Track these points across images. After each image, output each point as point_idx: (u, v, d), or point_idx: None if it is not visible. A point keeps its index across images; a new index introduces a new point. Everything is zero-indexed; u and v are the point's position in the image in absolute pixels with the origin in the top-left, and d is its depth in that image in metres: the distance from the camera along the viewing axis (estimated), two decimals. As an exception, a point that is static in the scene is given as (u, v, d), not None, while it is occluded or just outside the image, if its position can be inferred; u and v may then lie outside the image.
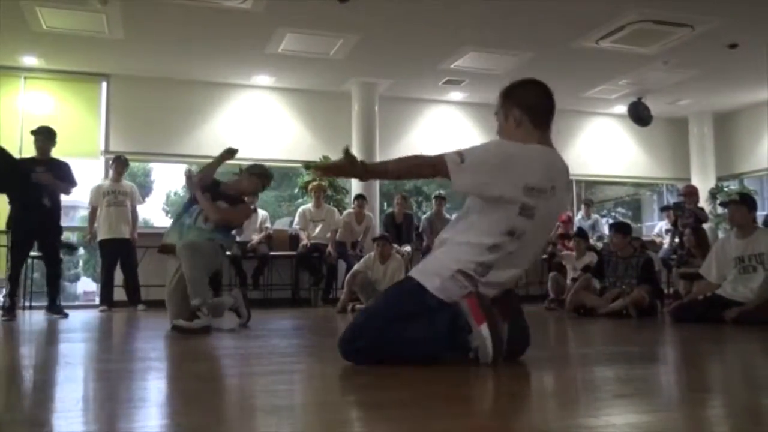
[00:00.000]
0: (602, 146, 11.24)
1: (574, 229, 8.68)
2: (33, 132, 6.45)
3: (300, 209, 8.76)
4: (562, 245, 8.53)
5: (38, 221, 6.13)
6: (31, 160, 6.37)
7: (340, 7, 6.75)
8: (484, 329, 2.38)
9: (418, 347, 2.51)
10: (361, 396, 2.09)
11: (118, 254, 7.55)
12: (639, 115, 10.15)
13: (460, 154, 2.44)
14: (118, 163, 7.71)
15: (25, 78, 8.70)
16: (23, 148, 8.09)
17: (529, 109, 2.59)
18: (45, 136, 6.38)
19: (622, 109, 10.67)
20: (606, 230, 8.90)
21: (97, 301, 8.38)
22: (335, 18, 7.13)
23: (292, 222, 9.17)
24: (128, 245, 7.58)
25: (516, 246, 2.49)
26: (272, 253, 8.39)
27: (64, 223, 6.70)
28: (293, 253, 8.50)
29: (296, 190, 9.74)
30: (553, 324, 5.51)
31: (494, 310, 2.44)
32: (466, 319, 2.41)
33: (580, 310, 6.11)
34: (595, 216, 10.15)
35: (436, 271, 2.53)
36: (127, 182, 7.91)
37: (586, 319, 5.75)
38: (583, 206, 10.10)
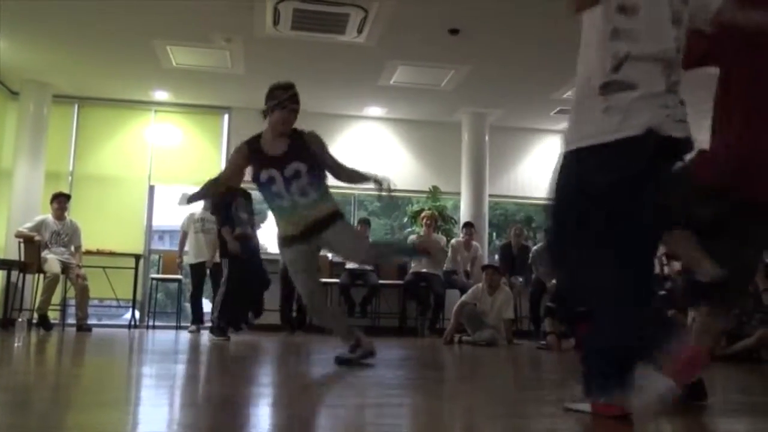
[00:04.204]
0: None
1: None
2: None
3: (410, 237, 8.82)
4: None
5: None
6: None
7: (451, 39, 6.82)
8: None
9: None
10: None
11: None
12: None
13: None
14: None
15: (155, 111, 9.33)
16: (152, 175, 8.67)
17: None
18: None
19: None
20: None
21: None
22: (447, 50, 7.20)
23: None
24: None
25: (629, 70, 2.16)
26: (380, 282, 8.49)
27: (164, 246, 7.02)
28: (401, 282, 8.56)
29: (405, 219, 9.81)
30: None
31: None
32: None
33: None
34: None
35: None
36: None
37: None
38: None
